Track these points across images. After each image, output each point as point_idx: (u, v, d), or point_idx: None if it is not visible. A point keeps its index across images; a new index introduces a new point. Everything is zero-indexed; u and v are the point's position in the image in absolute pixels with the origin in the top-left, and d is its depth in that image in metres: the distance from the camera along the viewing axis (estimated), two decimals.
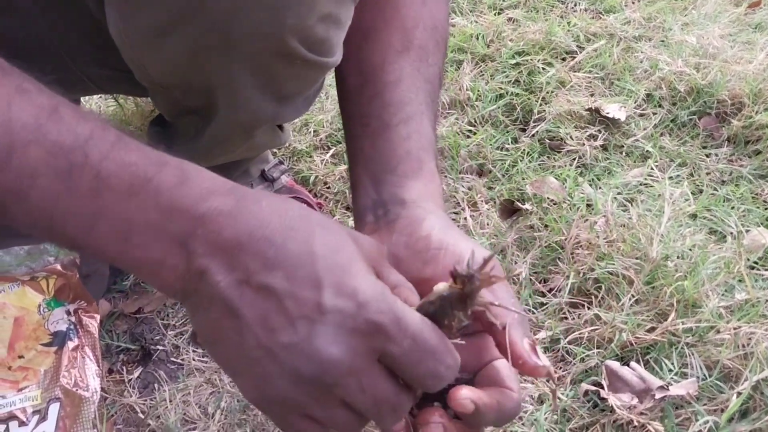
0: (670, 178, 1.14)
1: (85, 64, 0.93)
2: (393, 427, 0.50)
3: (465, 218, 1.10)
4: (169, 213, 0.45)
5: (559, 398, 0.85)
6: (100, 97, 1.40)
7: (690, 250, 0.98)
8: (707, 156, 1.22)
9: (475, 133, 1.27)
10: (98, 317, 0.83)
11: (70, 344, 0.80)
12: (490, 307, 0.49)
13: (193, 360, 0.94)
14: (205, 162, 0.96)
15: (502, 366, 0.52)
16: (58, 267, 0.82)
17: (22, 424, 0.76)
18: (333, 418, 0.46)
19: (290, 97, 0.82)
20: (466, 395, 0.48)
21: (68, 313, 0.82)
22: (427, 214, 0.59)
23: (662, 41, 1.45)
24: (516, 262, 1.03)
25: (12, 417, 0.76)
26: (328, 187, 1.20)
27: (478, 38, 1.46)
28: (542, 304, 0.98)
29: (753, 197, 1.13)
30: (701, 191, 1.14)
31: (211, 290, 0.45)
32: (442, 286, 0.48)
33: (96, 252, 0.47)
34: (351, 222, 1.10)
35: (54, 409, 0.77)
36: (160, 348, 0.96)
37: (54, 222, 0.45)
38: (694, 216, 1.08)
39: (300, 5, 0.65)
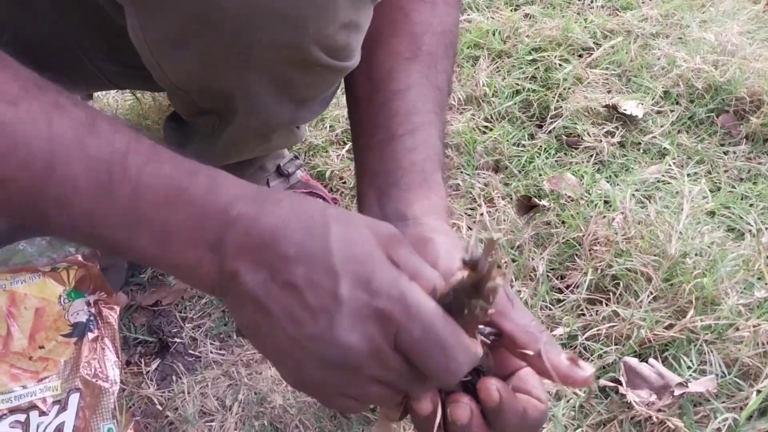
0: (688, 175, 1.14)
1: (99, 61, 0.93)
2: (423, 409, 0.50)
3: (481, 214, 1.10)
4: (201, 220, 0.48)
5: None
6: (117, 90, 1.41)
7: (708, 247, 0.97)
8: (725, 153, 1.21)
9: (491, 129, 1.26)
10: (118, 309, 0.83)
11: (90, 335, 0.80)
12: (504, 294, 0.49)
13: (211, 353, 0.95)
14: (220, 161, 0.97)
15: (528, 375, 0.52)
16: (79, 258, 0.82)
17: (42, 414, 0.76)
18: (368, 394, 0.49)
19: (308, 100, 0.83)
20: (494, 383, 0.48)
21: (88, 304, 0.82)
22: (430, 234, 0.58)
23: (680, 38, 1.45)
24: (533, 259, 1.03)
25: (32, 407, 0.76)
26: (344, 182, 1.20)
27: (494, 34, 1.46)
28: (559, 301, 0.98)
29: None
30: (719, 189, 1.13)
31: (243, 290, 0.48)
32: (455, 277, 0.48)
33: (136, 256, 0.50)
34: None
35: (74, 399, 0.77)
36: (178, 340, 0.96)
37: (95, 229, 0.49)
38: (712, 213, 1.08)
39: (321, 15, 0.65)
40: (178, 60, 0.71)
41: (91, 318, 0.81)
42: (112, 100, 1.40)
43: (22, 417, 0.76)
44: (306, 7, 0.64)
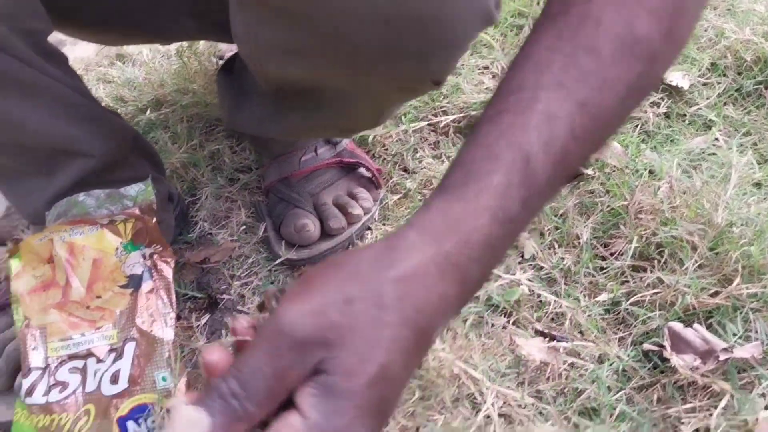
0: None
1: (183, 18, 0.96)
2: None
3: None
4: None
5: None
6: (163, 55, 1.43)
7: (756, 217, 0.97)
8: None
9: None
10: (173, 262, 0.85)
11: (145, 287, 0.82)
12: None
13: None
14: (286, 135, 0.99)
15: None
16: (137, 211, 0.84)
17: (99, 360, 0.79)
18: None
19: (391, 110, 0.87)
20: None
21: (144, 257, 0.84)
22: (370, 259, 0.46)
23: (728, 10, 1.42)
24: (576, 226, 1.03)
25: (90, 354, 0.79)
26: (386, 149, 1.21)
27: (539, 3, 1.45)
28: (603, 268, 0.98)
29: None
30: (766, 161, 1.12)
31: None
32: None
33: None
34: (409, 184, 1.11)
35: (129, 348, 0.80)
36: (227, 297, 0.99)
37: None
38: (758, 185, 1.07)
39: (450, 54, 0.65)
40: (284, 64, 0.70)
41: (147, 270, 0.83)
42: (158, 64, 1.42)
43: (80, 363, 0.79)
44: (438, 47, 0.63)
